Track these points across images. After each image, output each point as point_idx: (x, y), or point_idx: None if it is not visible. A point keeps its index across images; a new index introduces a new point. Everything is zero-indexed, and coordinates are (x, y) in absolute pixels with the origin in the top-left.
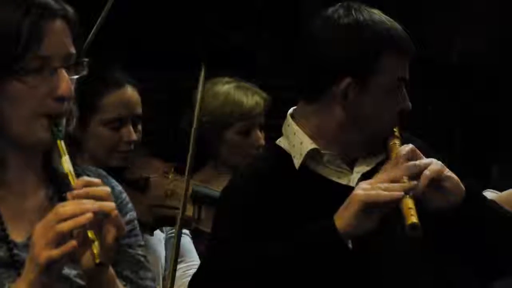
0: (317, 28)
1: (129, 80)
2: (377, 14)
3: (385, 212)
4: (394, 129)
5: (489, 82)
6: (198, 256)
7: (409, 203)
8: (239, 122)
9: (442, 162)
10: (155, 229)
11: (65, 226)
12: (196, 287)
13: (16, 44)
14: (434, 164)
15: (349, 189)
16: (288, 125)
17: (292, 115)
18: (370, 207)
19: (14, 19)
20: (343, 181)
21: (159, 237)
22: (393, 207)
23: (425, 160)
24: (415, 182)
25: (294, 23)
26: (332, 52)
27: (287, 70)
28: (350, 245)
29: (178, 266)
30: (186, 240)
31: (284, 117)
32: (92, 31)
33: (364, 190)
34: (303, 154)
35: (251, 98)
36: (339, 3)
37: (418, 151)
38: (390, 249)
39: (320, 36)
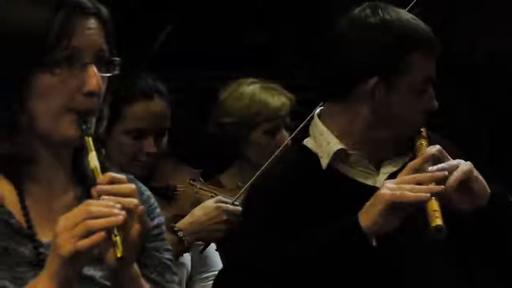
0: (344, 28)
1: (158, 90)
2: (404, 14)
3: (410, 212)
4: (422, 129)
5: None
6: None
7: (434, 205)
8: (265, 122)
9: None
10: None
11: (97, 223)
12: (222, 285)
13: (47, 38)
14: (462, 165)
15: (376, 190)
16: (315, 126)
17: (319, 116)
18: (395, 207)
19: (45, 15)
20: (370, 182)
21: None
22: (418, 208)
23: (453, 162)
24: (442, 187)
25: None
26: (359, 52)
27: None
28: (374, 243)
29: (204, 275)
30: (211, 249)
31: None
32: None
33: (390, 189)
34: (330, 154)
35: (277, 99)
36: (366, 3)
37: (445, 152)
38: (413, 249)
39: (347, 36)
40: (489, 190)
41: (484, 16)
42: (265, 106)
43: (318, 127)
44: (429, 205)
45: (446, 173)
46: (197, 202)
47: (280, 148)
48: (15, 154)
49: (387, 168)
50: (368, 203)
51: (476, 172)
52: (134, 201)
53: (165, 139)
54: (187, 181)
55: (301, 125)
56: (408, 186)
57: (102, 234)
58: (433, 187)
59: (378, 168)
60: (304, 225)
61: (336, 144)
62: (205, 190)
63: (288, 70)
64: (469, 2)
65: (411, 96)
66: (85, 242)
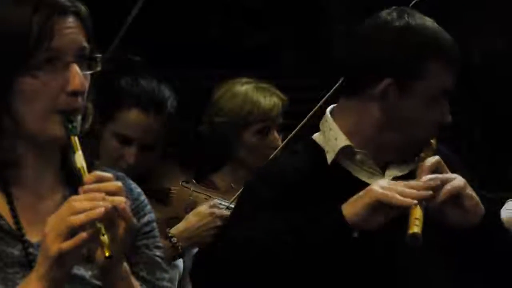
0: (369, 28)
1: (159, 103)
2: (430, 22)
3: (394, 214)
4: (432, 141)
5: (509, 82)
6: None
7: (417, 213)
8: (257, 122)
9: (468, 181)
10: None
11: (77, 219)
12: (202, 265)
13: (27, 42)
14: (457, 180)
15: None
16: (326, 121)
17: (331, 112)
18: (381, 205)
19: (24, 18)
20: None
21: None
22: (403, 212)
23: (448, 175)
24: (430, 192)
25: (316, 24)
26: (379, 51)
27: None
28: (355, 234)
29: None
30: None
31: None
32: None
33: (381, 187)
34: (336, 150)
35: (269, 99)
36: (394, 7)
37: (443, 164)
38: (404, 248)
39: (370, 36)
40: (482, 209)
41: (476, 15)
42: (257, 106)
43: (328, 123)
44: (412, 211)
45: (439, 182)
46: (192, 204)
47: (276, 152)
48: (0, 159)
49: (392, 172)
50: (356, 195)
51: (469, 189)
52: (120, 198)
53: (154, 154)
54: (180, 183)
55: (300, 125)
56: (399, 189)
57: (84, 235)
58: (422, 192)
59: (383, 170)
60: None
61: (343, 141)
62: (198, 192)
63: (288, 69)
64: (462, 2)
65: (424, 103)
66: (69, 244)
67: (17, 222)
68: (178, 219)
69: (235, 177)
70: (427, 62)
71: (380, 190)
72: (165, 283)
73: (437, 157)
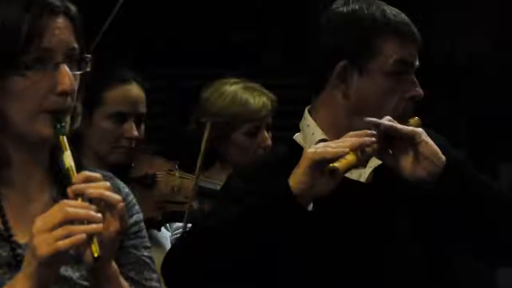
0: (318, 21)
1: (135, 78)
2: (377, 3)
3: (341, 176)
4: (411, 120)
5: (494, 83)
6: None
7: (350, 157)
8: (246, 123)
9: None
10: (162, 225)
11: (79, 230)
12: (170, 259)
13: (17, 40)
14: (410, 127)
15: (359, 184)
16: (304, 119)
17: (309, 110)
18: (317, 163)
19: (15, 16)
20: (354, 175)
21: (165, 235)
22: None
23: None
24: (364, 138)
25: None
26: (328, 39)
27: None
28: (310, 207)
29: None
30: None
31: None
32: (102, 29)
33: (314, 148)
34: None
35: (258, 99)
36: None
37: (396, 124)
38: (365, 224)
39: (321, 27)
40: (442, 157)
41: (462, 17)
42: (246, 107)
43: (307, 120)
44: (346, 157)
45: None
46: (178, 185)
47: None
48: None
49: (372, 162)
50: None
51: (425, 137)
52: (117, 198)
53: (143, 126)
54: (166, 171)
55: None
56: (333, 144)
57: (83, 236)
58: (353, 139)
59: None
60: None
61: (319, 135)
62: (184, 177)
63: (274, 69)
64: (448, 3)
65: (385, 80)
66: (66, 242)
67: (5, 222)
68: (166, 202)
69: (224, 177)
70: (376, 39)
71: (312, 150)
72: (154, 284)
73: (388, 117)
